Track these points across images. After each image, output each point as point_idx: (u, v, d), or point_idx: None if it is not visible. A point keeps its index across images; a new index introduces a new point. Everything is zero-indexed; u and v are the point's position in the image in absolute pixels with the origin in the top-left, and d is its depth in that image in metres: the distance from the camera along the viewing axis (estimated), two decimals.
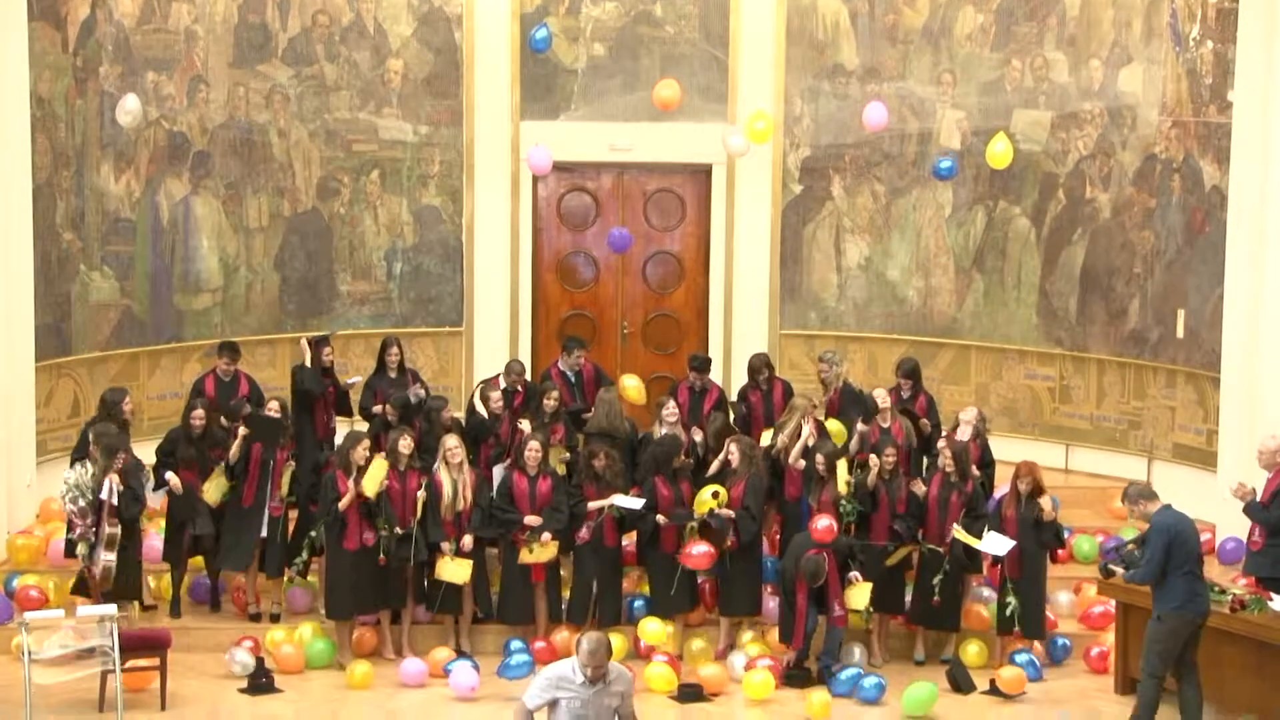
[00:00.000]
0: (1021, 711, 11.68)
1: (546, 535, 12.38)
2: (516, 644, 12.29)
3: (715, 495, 12.32)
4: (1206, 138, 14.57)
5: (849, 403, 13.88)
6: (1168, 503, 10.85)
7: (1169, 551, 10.60)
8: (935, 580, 12.23)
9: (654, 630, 12.33)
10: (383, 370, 14.07)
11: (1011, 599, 12.18)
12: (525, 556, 12.36)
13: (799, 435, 12.91)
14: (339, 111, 16.46)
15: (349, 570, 12.20)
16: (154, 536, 13.32)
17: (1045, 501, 12.31)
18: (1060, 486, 15.22)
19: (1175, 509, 10.83)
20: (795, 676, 11.99)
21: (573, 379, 14.19)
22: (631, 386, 14.04)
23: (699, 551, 12.23)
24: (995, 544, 12.10)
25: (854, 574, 12.04)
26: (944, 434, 13.18)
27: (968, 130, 16.28)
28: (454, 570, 12.32)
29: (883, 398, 13.32)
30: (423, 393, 13.62)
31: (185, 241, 15.75)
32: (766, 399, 14.00)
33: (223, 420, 13.06)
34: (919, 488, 12.58)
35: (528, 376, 14.55)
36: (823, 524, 11.98)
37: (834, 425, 13.35)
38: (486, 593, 12.66)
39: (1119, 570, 11.39)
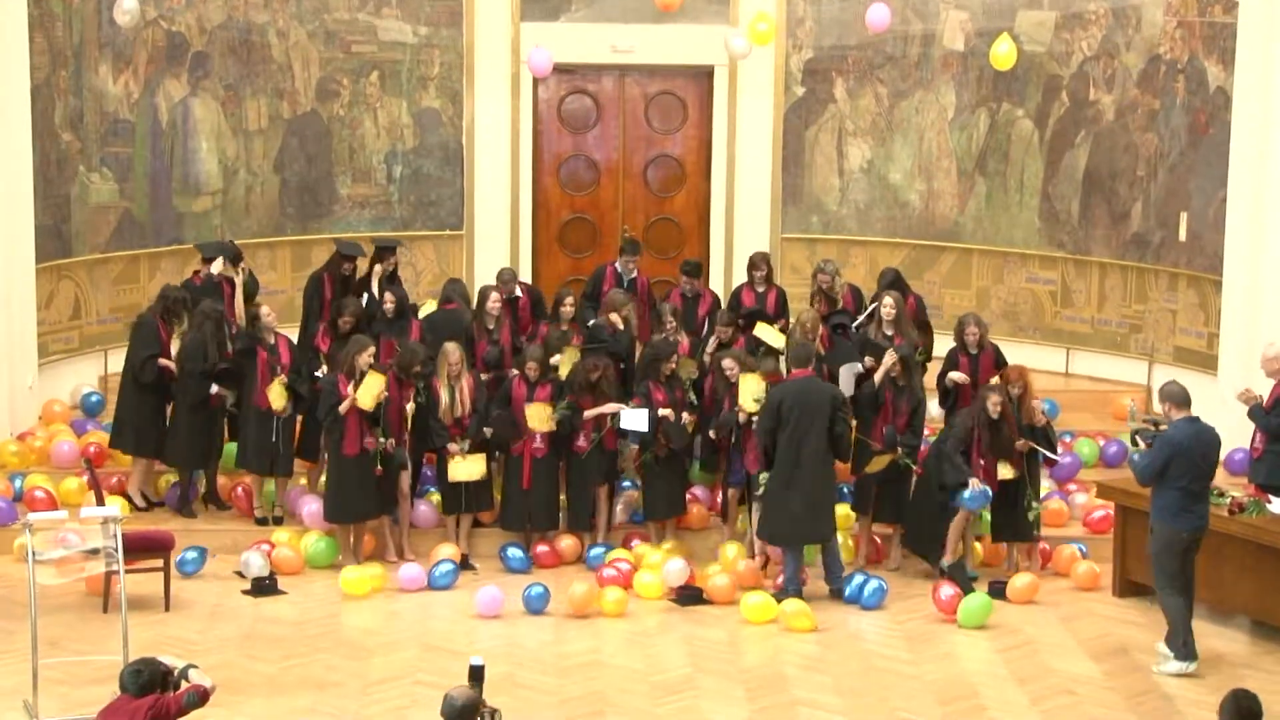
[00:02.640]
0: (1032, 614, 11.73)
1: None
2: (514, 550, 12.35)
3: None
4: (1211, 38, 14.43)
5: (860, 304, 13.82)
6: (1195, 415, 10.61)
7: (1169, 463, 10.49)
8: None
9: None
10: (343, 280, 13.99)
11: (1035, 504, 12.19)
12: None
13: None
14: (338, 12, 16.32)
15: (350, 475, 12.21)
16: None
17: (1037, 405, 12.29)
18: (1061, 390, 15.24)
19: (1198, 423, 10.57)
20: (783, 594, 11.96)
21: (625, 284, 14.07)
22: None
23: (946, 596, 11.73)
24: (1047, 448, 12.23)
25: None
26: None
27: (971, 31, 16.14)
28: (466, 468, 12.38)
29: (888, 307, 13.13)
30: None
31: (184, 143, 15.65)
32: (760, 302, 13.88)
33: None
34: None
35: (526, 280, 14.43)
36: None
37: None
38: (490, 492, 12.72)
39: (1142, 445, 11.23)
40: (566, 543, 12.64)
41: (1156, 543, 10.69)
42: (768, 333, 13.14)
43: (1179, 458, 10.48)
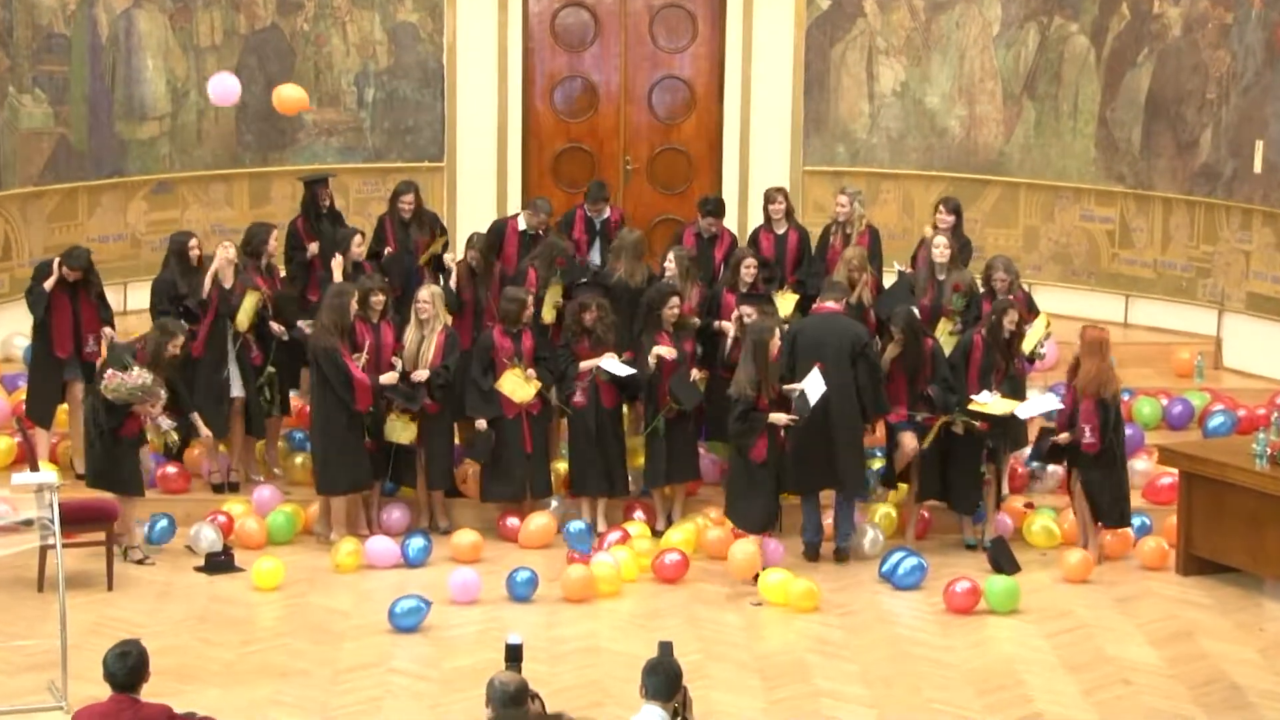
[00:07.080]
0: (1085, 595, 11.74)
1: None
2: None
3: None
4: None
5: (875, 251, 13.78)
6: None
7: None
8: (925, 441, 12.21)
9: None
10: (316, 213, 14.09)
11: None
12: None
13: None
14: None
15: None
16: None
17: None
18: (1119, 343, 15.15)
19: None
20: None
21: (598, 227, 14.10)
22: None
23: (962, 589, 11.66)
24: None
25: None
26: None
27: None
28: (400, 430, 12.39)
29: (941, 248, 13.10)
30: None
31: (127, 61, 15.61)
32: (779, 245, 13.84)
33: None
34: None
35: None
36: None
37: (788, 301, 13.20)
38: (447, 468, 12.72)
39: None
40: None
41: None
42: (784, 302, 13.14)
43: None
